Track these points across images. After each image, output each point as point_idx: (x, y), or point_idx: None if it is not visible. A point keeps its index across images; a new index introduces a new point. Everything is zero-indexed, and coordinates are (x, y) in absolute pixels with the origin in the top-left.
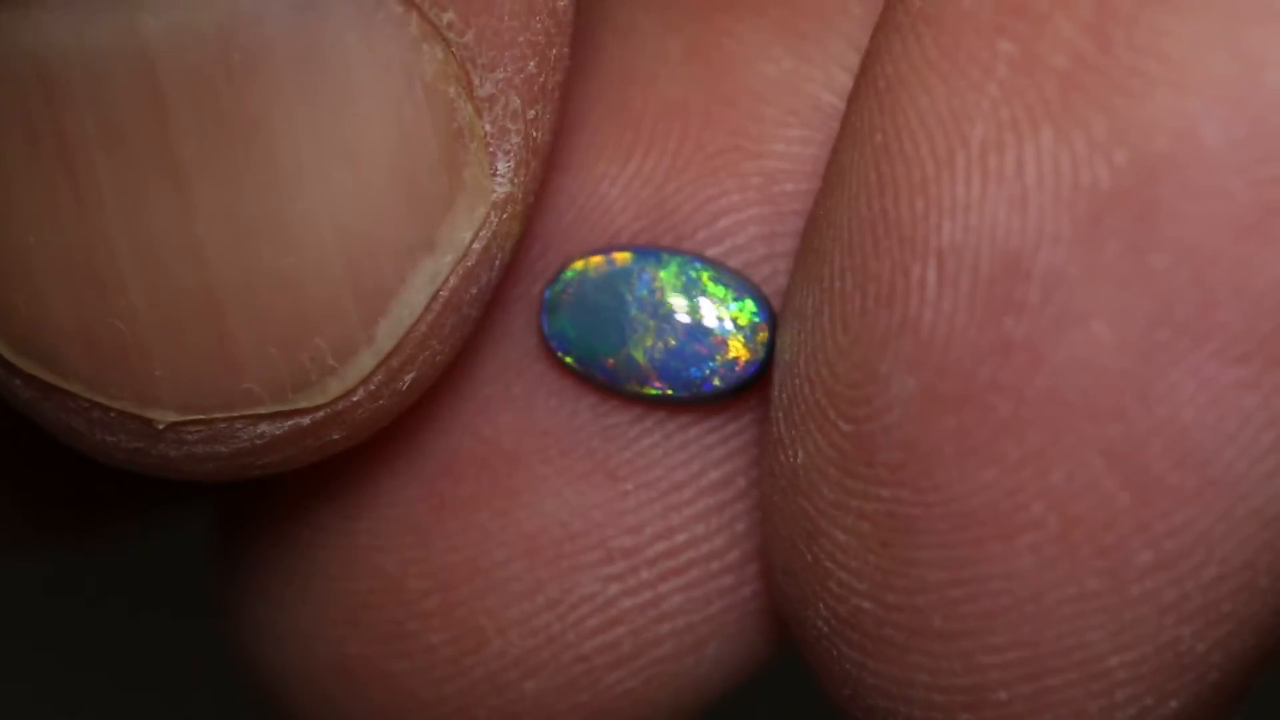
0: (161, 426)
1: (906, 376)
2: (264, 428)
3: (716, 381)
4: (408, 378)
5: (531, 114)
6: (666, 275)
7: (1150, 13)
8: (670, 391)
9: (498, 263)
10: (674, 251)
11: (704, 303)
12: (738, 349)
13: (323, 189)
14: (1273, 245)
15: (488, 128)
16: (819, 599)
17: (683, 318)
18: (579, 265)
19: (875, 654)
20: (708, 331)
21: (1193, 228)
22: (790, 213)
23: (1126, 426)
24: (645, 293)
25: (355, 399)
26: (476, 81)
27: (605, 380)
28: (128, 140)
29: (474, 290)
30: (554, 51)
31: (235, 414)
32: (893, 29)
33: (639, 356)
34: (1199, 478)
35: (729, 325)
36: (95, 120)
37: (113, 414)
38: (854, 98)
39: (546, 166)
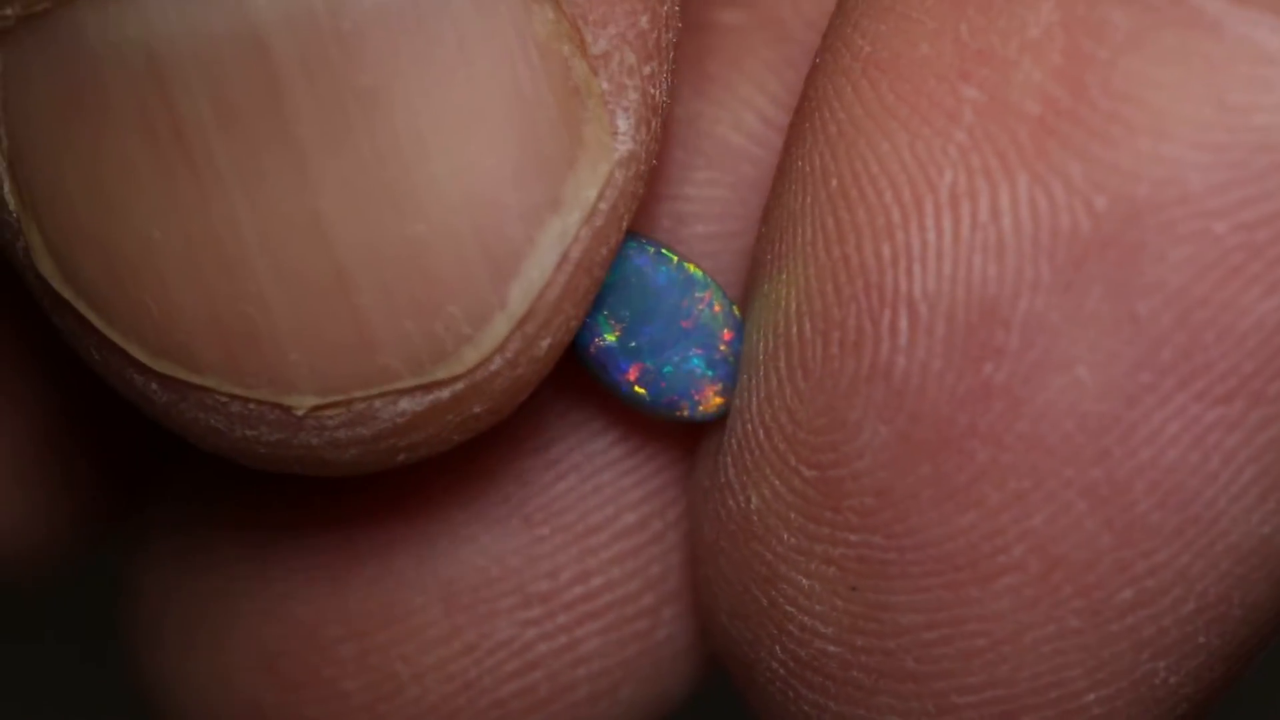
0: (301, 413)
1: (878, 424)
2: (404, 404)
3: (686, 413)
4: (544, 343)
5: (648, 70)
6: (718, 298)
7: (1127, 60)
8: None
9: (625, 223)
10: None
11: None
12: (713, 395)
13: (443, 154)
14: (1256, 287)
15: (605, 85)
16: (775, 642)
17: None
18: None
19: (840, 696)
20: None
21: (1177, 272)
22: (701, 254)
23: (1109, 469)
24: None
25: (493, 368)
26: (589, 39)
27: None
28: (244, 122)
29: (604, 251)
30: (665, 7)
31: (374, 391)
32: (838, 74)
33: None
34: (1180, 517)
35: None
36: (210, 105)
37: (251, 405)
38: (796, 142)
39: (667, 125)
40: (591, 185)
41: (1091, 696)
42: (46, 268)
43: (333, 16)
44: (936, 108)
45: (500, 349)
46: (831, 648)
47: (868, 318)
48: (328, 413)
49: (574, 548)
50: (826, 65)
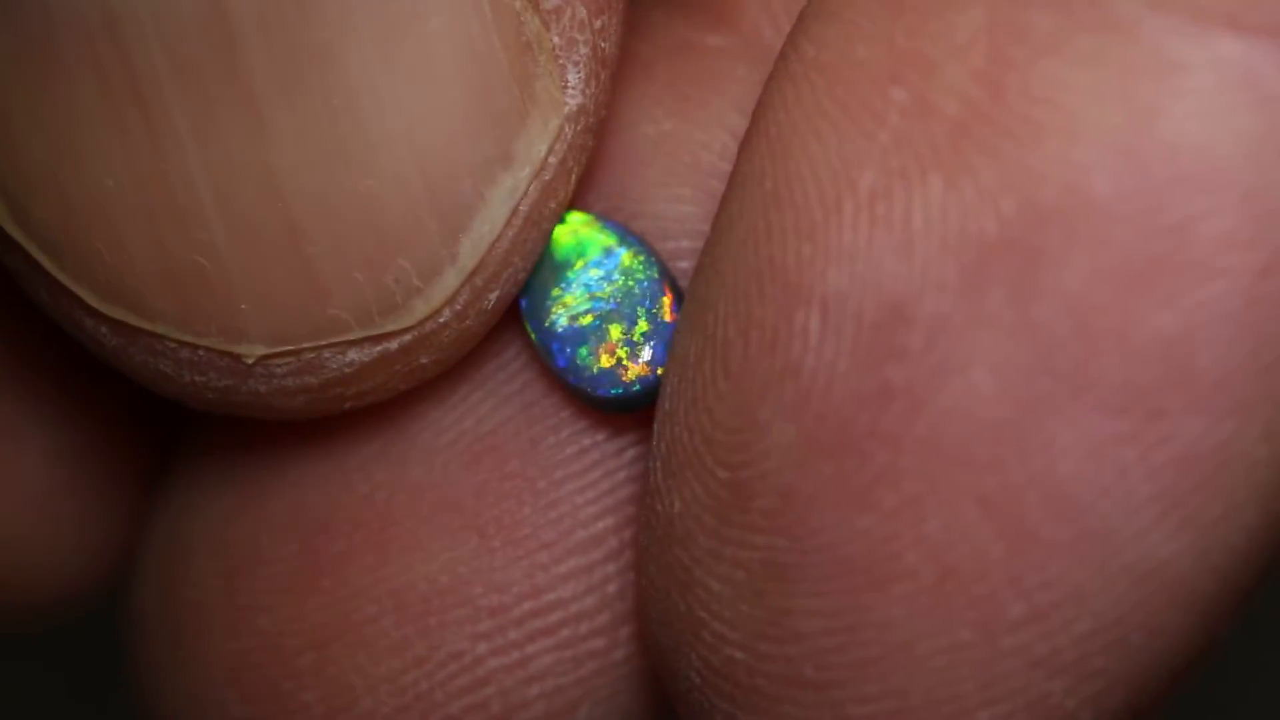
0: (250, 361)
1: (786, 423)
2: (353, 355)
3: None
4: (492, 296)
5: (598, 24)
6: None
7: (1045, 62)
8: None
9: (574, 176)
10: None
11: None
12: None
13: (396, 109)
14: (1155, 297)
15: (556, 39)
16: (692, 649)
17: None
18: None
19: (746, 705)
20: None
21: (1076, 278)
22: (677, 272)
23: (1003, 477)
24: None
25: (442, 319)
26: None
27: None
28: (199, 74)
29: (552, 205)
30: None
31: (323, 342)
32: (785, 78)
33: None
34: (1073, 531)
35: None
36: (165, 57)
37: (201, 352)
38: (745, 146)
39: (615, 79)
40: (542, 140)
41: (984, 714)
42: None
43: None
44: (865, 109)
45: (449, 301)
46: (739, 654)
47: (783, 317)
48: (276, 361)
49: (525, 561)
50: (777, 70)
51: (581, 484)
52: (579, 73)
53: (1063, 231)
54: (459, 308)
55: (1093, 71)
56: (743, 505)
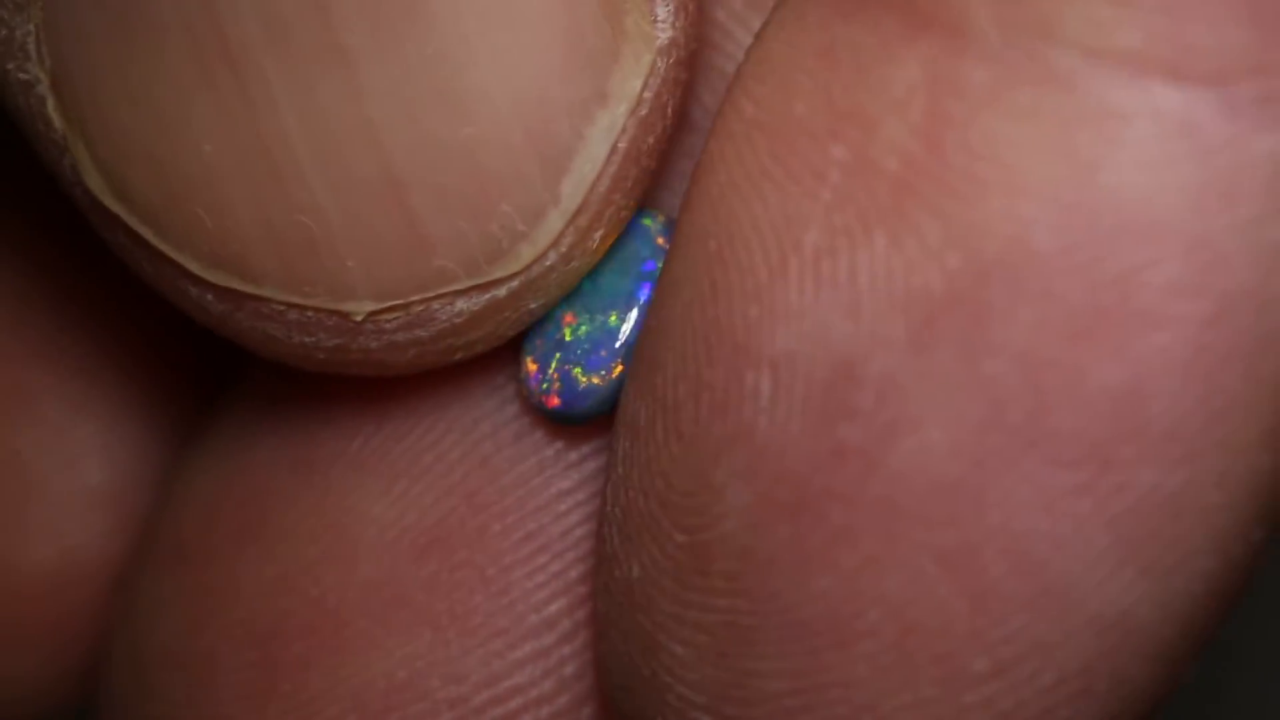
0: (359, 318)
1: (742, 486)
2: (461, 305)
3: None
4: (597, 235)
5: None
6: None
7: (983, 118)
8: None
9: (670, 111)
10: None
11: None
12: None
13: (489, 54)
14: (1103, 349)
15: None
16: (657, 713)
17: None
18: None
19: None
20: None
21: (1024, 332)
22: None
23: (960, 533)
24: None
25: (549, 263)
26: None
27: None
28: (291, 33)
29: (651, 140)
30: None
31: (432, 294)
32: (725, 137)
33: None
34: (1034, 584)
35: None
36: (255, 18)
37: (309, 313)
38: (686, 206)
39: (703, 10)
40: (636, 76)
41: None
42: (95, 183)
43: None
44: (806, 167)
45: (555, 243)
46: (704, 717)
47: (733, 379)
48: (385, 317)
49: (479, 651)
50: (716, 129)
51: (530, 568)
52: (668, 5)
53: (1008, 285)
54: (564, 250)
55: (1032, 125)
56: (702, 569)
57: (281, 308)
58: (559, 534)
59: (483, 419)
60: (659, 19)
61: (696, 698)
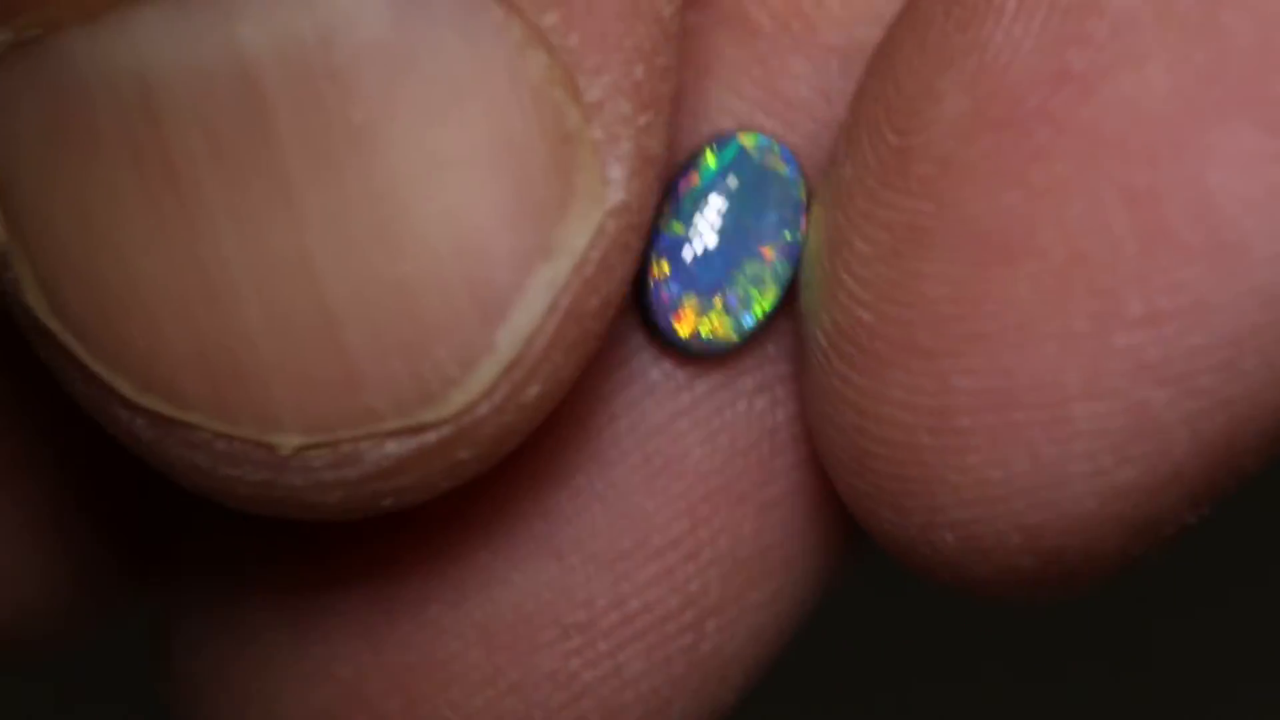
0: (286, 452)
1: (960, 95)
2: (391, 447)
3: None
4: (532, 391)
5: (643, 121)
6: None
7: None
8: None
9: (618, 276)
10: None
11: None
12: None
13: (434, 195)
14: None
15: (598, 133)
16: (826, 310)
17: None
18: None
19: (860, 367)
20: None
21: None
22: None
23: (1152, 174)
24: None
25: (480, 412)
26: (583, 85)
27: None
28: (234, 154)
29: (595, 302)
30: (660, 60)
31: (360, 431)
32: None
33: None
34: (1210, 240)
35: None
36: (201, 136)
37: (235, 443)
38: None
39: (661, 180)
40: (582, 233)
41: (1082, 408)
42: (33, 298)
43: (324, 50)
44: None
45: (488, 394)
46: (866, 315)
47: None
48: (313, 453)
49: (606, 575)
50: None
51: (651, 489)
52: (622, 169)
53: None
54: (498, 401)
55: None
56: (904, 170)
57: (209, 436)
58: (677, 455)
59: None
60: (611, 179)
61: (863, 294)
